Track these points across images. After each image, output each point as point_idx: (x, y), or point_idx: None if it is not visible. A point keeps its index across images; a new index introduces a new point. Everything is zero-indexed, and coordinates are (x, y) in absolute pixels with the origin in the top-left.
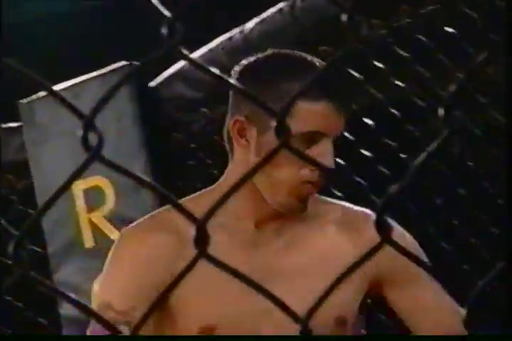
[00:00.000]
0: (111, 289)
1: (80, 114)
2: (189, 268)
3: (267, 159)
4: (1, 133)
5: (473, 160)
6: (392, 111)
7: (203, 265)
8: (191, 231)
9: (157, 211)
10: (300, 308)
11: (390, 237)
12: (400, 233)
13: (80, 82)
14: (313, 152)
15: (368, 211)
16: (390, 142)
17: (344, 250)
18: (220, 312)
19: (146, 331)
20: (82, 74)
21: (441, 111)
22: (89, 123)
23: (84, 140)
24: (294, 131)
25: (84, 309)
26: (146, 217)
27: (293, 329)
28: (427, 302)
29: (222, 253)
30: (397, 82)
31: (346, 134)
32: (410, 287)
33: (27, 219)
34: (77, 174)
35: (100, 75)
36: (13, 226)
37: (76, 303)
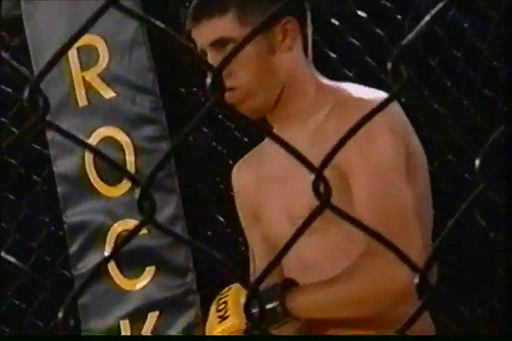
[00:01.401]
0: None
1: None
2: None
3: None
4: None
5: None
6: None
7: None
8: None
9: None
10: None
11: None
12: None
13: None
14: None
15: (367, 96)
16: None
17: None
18: (260, 203)
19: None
20: None
21: (389, 66)
22: None
23: None
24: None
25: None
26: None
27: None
28: (361, 205)
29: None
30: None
31: None
32: (355, 181)
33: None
34: (91, 22)
35: None
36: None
37: (77, 139)
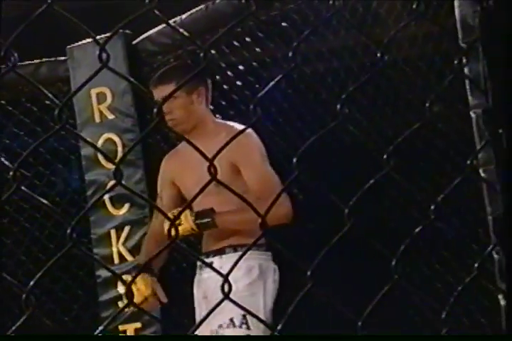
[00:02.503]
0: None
1: (98, 43)
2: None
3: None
4: (56, 64)
5: None
6: None
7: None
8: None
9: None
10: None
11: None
12: (245, 134)
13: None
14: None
15: (236, 128)
16: None
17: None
18: (177, 176)
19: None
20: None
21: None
22: (102, 48)
23: (100, 57)
24: None
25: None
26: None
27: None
28: (250, 181)
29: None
30: None
31: None
32: (245, 169)
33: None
34: (94, 76)
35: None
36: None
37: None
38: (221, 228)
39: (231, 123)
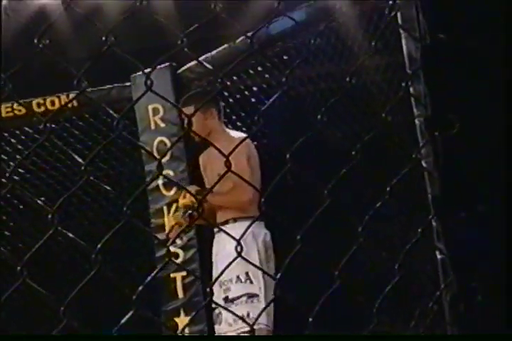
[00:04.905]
0: None
1: (145, 73)
2: None
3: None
4: (123, 88)
5: None
6: None
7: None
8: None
9: None
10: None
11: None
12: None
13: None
14: None
15: (238, 137)
16: None
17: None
18: (205, 168)
19: None
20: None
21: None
22: (148, 76)
23: (145, 83)
24: None
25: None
26: None
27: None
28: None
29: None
30: None
31: None
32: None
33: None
34: (142, 95)
35: (159, 68)
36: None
37: None
38: (211, 204)
39: (232, 133)
